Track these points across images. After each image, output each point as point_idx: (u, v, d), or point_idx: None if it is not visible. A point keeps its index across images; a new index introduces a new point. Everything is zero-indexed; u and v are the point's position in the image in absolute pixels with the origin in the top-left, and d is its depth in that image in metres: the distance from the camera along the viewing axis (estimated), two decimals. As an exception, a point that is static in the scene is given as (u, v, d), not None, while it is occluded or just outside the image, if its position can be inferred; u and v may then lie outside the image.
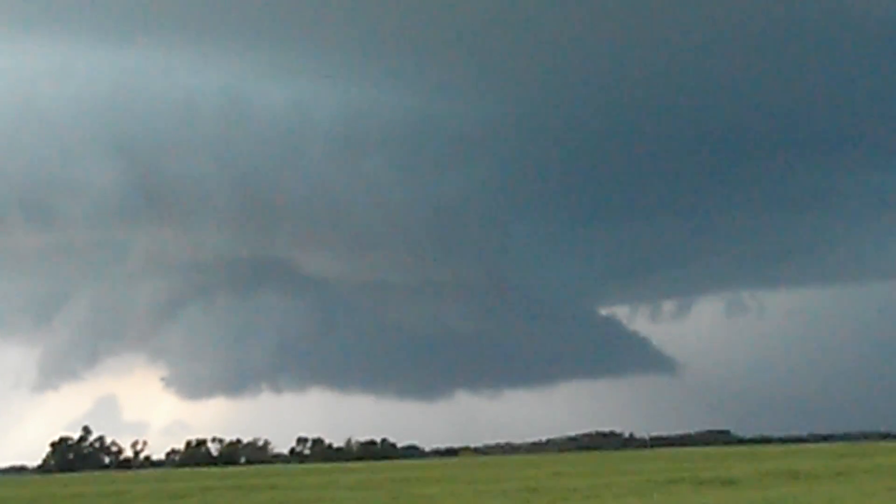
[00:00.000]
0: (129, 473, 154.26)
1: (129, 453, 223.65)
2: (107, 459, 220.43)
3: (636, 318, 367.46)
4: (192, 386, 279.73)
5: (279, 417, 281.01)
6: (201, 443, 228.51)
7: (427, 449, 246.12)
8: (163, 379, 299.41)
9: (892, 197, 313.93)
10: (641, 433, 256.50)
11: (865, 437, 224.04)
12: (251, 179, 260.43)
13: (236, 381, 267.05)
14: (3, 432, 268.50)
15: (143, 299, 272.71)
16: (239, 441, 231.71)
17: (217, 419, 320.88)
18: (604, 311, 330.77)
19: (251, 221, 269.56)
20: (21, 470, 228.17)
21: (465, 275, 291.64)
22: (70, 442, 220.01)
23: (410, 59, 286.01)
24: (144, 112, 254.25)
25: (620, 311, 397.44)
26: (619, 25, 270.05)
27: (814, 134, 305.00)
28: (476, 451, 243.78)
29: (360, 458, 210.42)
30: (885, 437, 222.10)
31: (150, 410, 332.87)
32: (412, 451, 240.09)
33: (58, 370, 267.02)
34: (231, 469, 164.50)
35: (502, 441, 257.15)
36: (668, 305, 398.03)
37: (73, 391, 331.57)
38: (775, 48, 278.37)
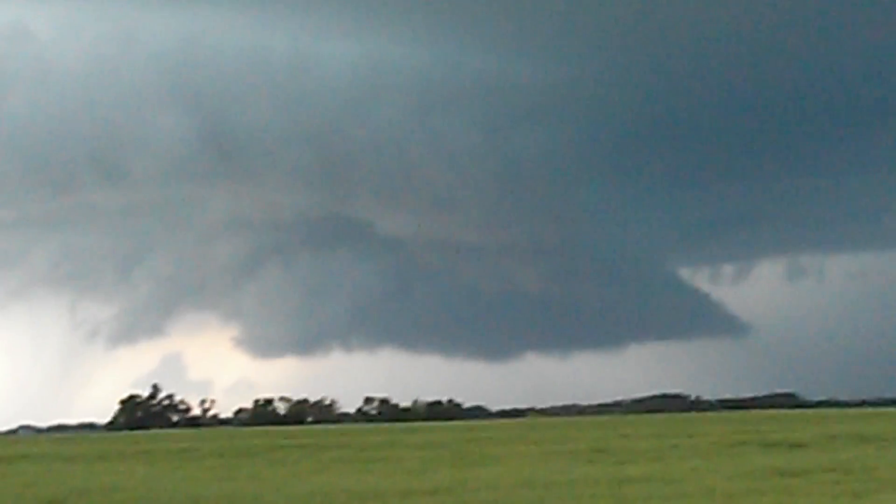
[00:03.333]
0: (198, 431, 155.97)
1: (196, 411, 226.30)
2: (175, 417, 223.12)
3: (696, 281, 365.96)
4: (262, 345, 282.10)
5: (347, 377, 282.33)
6: (268, 402, 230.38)
7: (493, 410, 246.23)
8: (233, 339, 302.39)
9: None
10: (707, 396, 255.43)
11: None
12: (326, 138, 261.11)
13: (307, 341, 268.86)
14: (75, 389, 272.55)
15: (220, 257, 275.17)
16: (306, 400, 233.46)
17: (284, 378, 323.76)
18: (672, 273, 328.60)
19: (327, 179, 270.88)
20: (91, 427, 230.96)
21: (537, 235, 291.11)
22: (139, 399, 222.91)
23: (488, 17, 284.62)
24: (214, 69, 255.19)
25: (684, 273, 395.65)
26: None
27: (877, 99, 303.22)
28: (542, 412, 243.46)
29: (426, 419, 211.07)
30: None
31: (216, 369, 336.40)
32: (478, 412, 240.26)
33: (132, 327, 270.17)
34: (298, 428, 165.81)
35: (569, 403, 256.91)
36: (728, 269, 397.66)
37: (144, 349, 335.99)
38: (840, 16, 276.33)
